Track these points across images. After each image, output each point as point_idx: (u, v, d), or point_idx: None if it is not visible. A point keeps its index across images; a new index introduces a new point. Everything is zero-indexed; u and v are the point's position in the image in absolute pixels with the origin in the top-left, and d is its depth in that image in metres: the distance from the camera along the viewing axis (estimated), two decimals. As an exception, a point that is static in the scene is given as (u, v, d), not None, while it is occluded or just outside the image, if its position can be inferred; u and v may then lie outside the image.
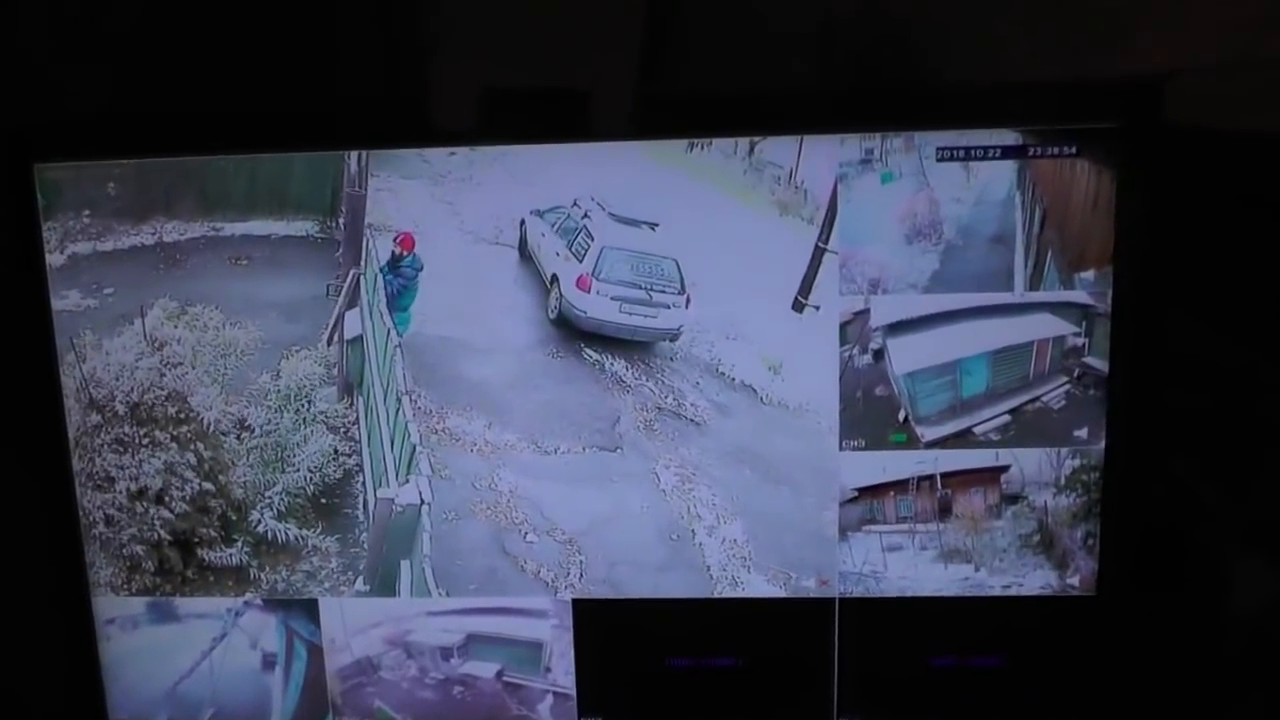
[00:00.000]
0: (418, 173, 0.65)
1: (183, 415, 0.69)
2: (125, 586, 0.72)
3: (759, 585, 0.68)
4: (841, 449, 0.66)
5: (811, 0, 0.62)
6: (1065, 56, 0.61)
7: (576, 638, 0.70)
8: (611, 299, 0.67)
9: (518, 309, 0.67)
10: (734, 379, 0.67)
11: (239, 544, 0.71)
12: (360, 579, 0.71)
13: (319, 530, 0.70)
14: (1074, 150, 0.62)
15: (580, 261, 0.66)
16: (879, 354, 0.65)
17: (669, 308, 0.66)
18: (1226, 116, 0.61)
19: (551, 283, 0.67)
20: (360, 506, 0.70)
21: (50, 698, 0.73)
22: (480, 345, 0.67)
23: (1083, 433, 0.65)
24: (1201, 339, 0.64)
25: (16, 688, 0.73)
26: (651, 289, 0.66)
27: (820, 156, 0.63)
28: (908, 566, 0.68)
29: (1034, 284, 0.63)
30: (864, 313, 0.64)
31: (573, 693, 0.72)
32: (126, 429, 0.69)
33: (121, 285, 0.68)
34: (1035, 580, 0.67)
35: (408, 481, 0.69)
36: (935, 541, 0.67)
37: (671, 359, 0.67)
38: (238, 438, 0.69)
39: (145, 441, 0.69)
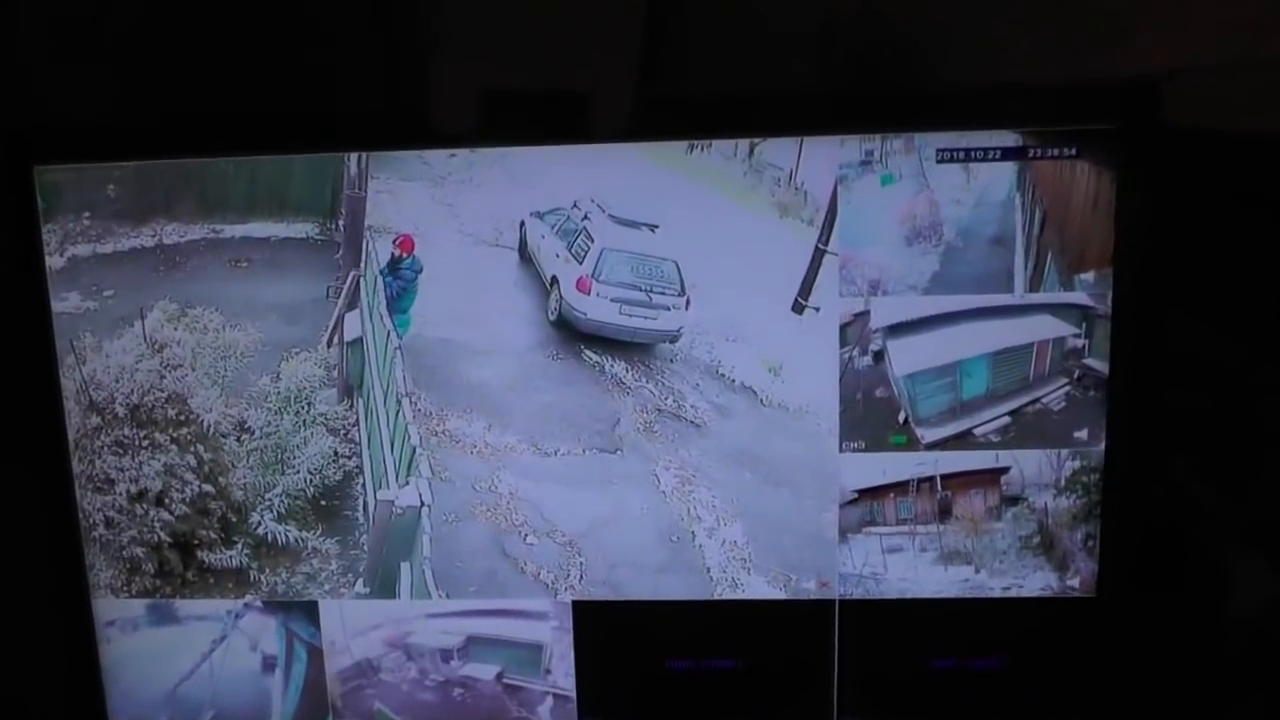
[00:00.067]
0: (417, 175, 0.65)
1: (183, 417, 0.69)
2: (125, 588, 0.72)
3: (759, 587, 0.68)
4: (841, 451, 0.66)
5: (811, 2, 0.62)
6: (1065, 58, 0.61)
7: (576, 639, 0.70)
8: (611, 301, 0.67)
9: (517, 311, 0.67)
10: (734, 381, 0.67)
11: (239, 546, 0.70)
12: (360, 581, 0.71)
13: (319, 532, 0.70)
14: (1074, 152, 0.62)
15: (580, 263, 0.66)
16: (879, 355, 0.65)
17: (669, 309, 0.66)
18: (1226, 117, 0.61)
19: (551, 285, 0.67)
20: (360, 508, 0.70)
21: (50, 700, 0.73)
22: (480, 347, 0.67)
23: (1083, 434, 0.65)
24: (1201, 340, 0.64)
25: (17, 690, 0.73)
26: (651, 291, 0.66)
27: (820, 158, 0.63)
28: (908, 568, 0.68)
29: (1034, 285, 0.63)
30: (864, 314, 0.64)
31: (573, 695, 0.72)
32: (126, 431, 0.69)
33: (121, 287, 0.68)
34: (1035, 582, 0.67)
35: (408, 483, 0.69)
36: (935, 543, 0.67)
37: (671, 361, 0.67)
38: (238, 440, 0.69)
39: (145, 444, 0.69)
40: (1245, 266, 0.63)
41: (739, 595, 0.69)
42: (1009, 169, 0.62)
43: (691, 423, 0.67)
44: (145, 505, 0.70)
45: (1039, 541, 0.67)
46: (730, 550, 0.68)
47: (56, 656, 0.73)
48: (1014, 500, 0.66)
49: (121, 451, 0.69)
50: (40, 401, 0.69)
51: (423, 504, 0.69)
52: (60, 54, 0.65)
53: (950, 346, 0.64)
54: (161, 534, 0.70)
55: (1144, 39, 0.60)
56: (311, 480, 0.70)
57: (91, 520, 0.71)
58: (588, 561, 0.69)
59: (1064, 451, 0.65)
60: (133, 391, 0.69)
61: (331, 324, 0.68)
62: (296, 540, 0.70)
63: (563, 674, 0.71)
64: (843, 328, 0.65)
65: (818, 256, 0.64)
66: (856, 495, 0.67)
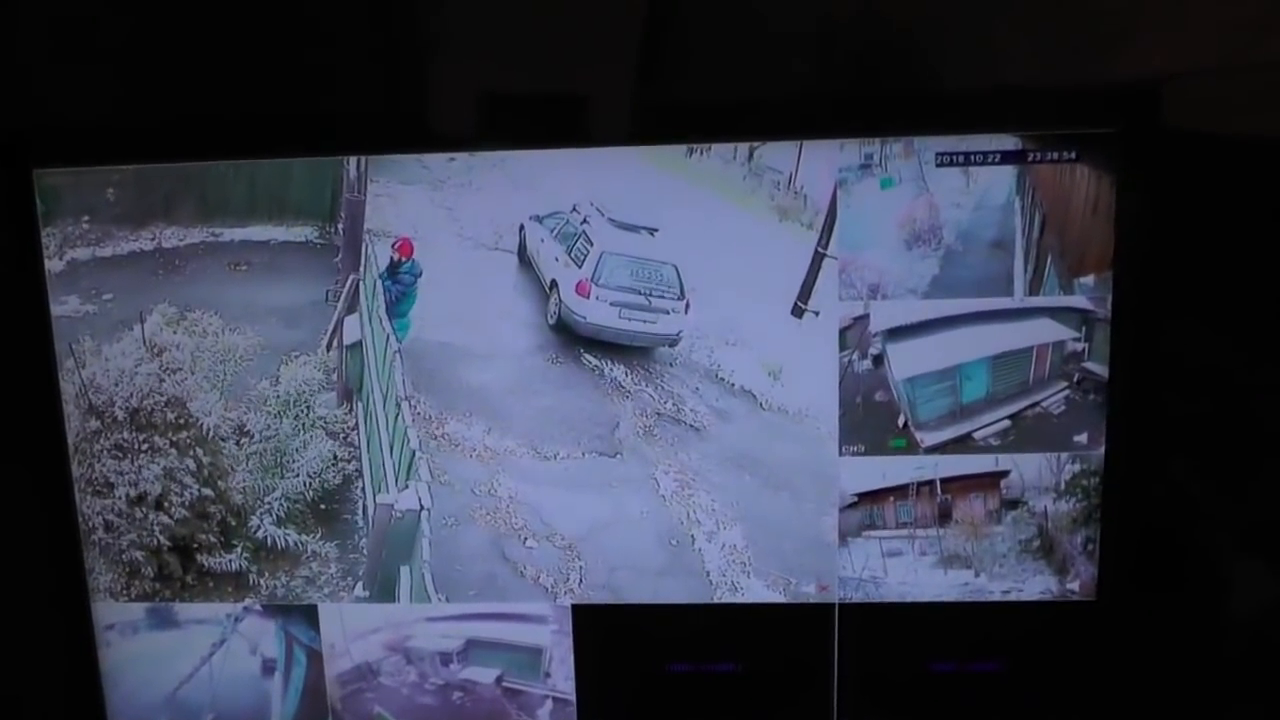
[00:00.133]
0: (417, 178, 0.65)
1: (182, 421, 0.69)
2: (125, 592, 0.72)
3: (759, 590, 0.68)
4: (841, 454, 0.66)
5: (811, 5, 0.62)
6: (1064, 61, 0.61)
7: (576, 643, 0.70)
8: (611, 304, 0.67)
9: (517, 314, 0.67)
10: (733, 384, 0.67)
11: (238, 550, 0.70)
12: (360, 585, 0.71)
13: (318, 536, 0.70)
14: (1073, 155, 0.62)
15: (579, 267, 0.66)
16: (879, 359, 0.65)
17: (668, 313, 0.66)
18: (1226, 120, 0.61)
19: (551, 288, 0.67)
20: (360, 512, 0.70)
21: (50, 703, 0.73)
22: (479, 351, 0.67)
23: (1083, 438, 0.65)
24: (1201, 344, 0.64)
25: (16, 693, 0.73)
26: (651, 294, 0.66)
27: (820, 161, 0.63)
28: (907, 572, 0.68)
29: (1034, 289, 0.63)
30: (864, 318, 0.64)
31: (572, 698, 0.71)
32: (126, 434, 0.69)
33: (121, 291, 0.68)
34: (1035, 585, 0.67)
35: (407, 487, 0.69)
36: (935, 547, 0.67)
37: (671, 364, 0.67)
38: (237, 443, 0.69)
39: (144, 447, 0.69)
40: (1245, 270, 0.63)
41: (739, 599, 0.69)
42: (1009, 172, 0.62)
43: (691, 426, 0.67)
44: (145, 509, 0.70)
45: (1039, 545, 0.67)
46: (730, 554, 0.68)
47: (56, 660, 0.73)
48: (1014, 504, 0.66)
49: (121, 455, 0.69)
50: (40, 405, 0.69)
51: (422, 507, 0.69)
52: (60, 57, 0.65)
53: (950, 350, 0.64)
54: (161, 538, 0.70)
55: (1144, 42, 0.60)
56: (311, 484, 0.70)
57: (91, 524, 0.71)
58: (587, 565, 0.69)
59: (1064, 455, 0.65)
60: (132, 395, 0.69)
61: (331, 327, 0.68)
62: (296, 544, 0.70)
63: (562, 677, 0.71)
64: (842, 331, 0.65)
65: (817, 260, 0.64)
66: (856, 499, 0.67)
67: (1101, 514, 0.66)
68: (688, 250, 0.65)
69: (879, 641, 0.69)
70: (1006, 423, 0.65)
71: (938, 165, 0.62)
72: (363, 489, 0.70)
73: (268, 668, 0.73)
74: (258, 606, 0.72)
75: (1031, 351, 0.64)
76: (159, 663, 0.73)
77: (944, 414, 0.65)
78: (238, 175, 0.66)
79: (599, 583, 0.69)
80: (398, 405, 0.68)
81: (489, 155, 0.64)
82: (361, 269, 0.67)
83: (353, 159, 0.65)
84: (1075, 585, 0.67)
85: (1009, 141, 0.62)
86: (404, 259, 0.66)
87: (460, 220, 0.65)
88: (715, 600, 0.69)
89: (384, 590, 0.71)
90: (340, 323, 0.68)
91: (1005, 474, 0.66)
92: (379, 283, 0.67)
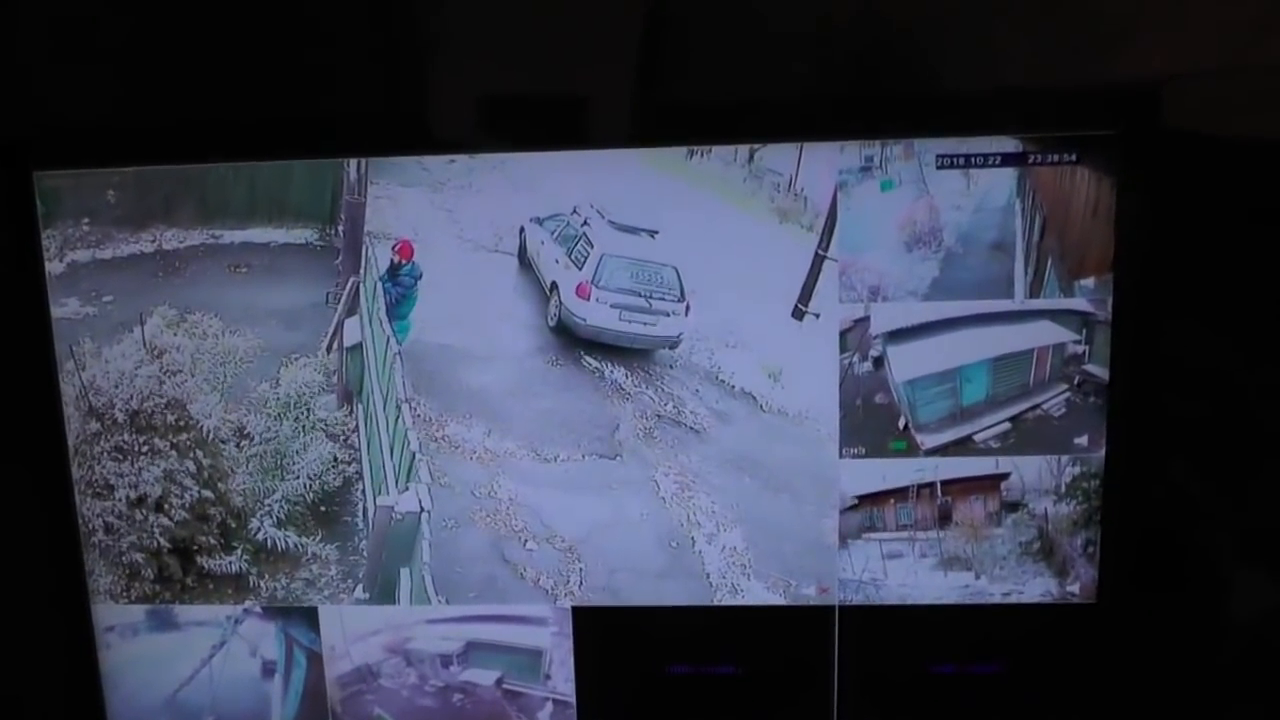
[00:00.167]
0: (417, 180, 0.65)
1: (182, 423, 0.69)
2: (125, 594, 0.72)
3: (759, 593, 0.68)
4: (841, 456, 0.66)
5: (811, 7, 0.62)
6: (1064, 63, 0.61)
7: (576, 645, 0.70)
8: (611, 306, 0.67)
9: (517, 316, 0.67)
10: (734, 386, 0.67)
11: (238, 552, 0.70)
12: (360, 587, 0.71)
13: (318, 538, 0.70)
14: (1074, 157, 0.62)
15: (580, 269, 0.66)
16: (879, 361, 0.65)
17: (669, 315, 0.66)
18: (1227, 122, 0.60)
19: (551, 290, 0.67)
20: (360, 514, 0.70)
21: (50, 705, 0.73)
22: (480, 353, 0.67)
23: (1083, 440, 0.65)
24: (1202, 346, 0.64)
25: (17, 695, 0.73)
26: (651, 296, 0.66)
27: (820, 164, 0.63)
28: (908, 574, 0.68)
29: (1034, 291, 0.63)
30: (864, 320, 0.64)
31: (573, 700, 0.71)
32: (126, 437, 0.69)
33: (121, 293, 0.68)
34: (1035, 588, 0.67)
35: (407, 489, 0.69)
36: (935, 549, 0.67)
37: (671, 366, 0.67)
38: (237, 445, 0.69)
39: (145, 449, 0.69)
40: (1246, 272, 0.62)
41: (739, 601, 0.68)
42: (1009, 174, 0.62)
43: (691, 428, 0.67)
44: (145, 511, 0.70)
45: (1039, 547, 0.67)
46: (730, 556, 0.68)
47: (56, 662, 0.73)
48: (1014, 506, 0.66)
49: (121, 457, 0.69)
50: (40, 407, 0.69)
51: (422, 509, 0.69)
52: (60, 58, 0.65)
53: (950, 352, 0.64)
54: (161, 539, 0.70)
55: (1144, 44, 0.60)
56: (311, 486, 0.70)
57: (91, 526, 0.71)
58: (587, 567, 0.69)
59: (1064, 457, 0.65)
60: (132, 397, 0.69)
61: (331, 329, 0.68)
62: (296, 546, 0.70)
63: (562, 679, 0.71)
64: (843, 333, 0.65)
65: (817, 262, 0.64)
66: (856, 501, 0.67)
67: (1102, 516, 0.66)
68: (688, 252, 0.65)
69: (879, 644, 0.69)
70: (1007, 425, 0.65)
71: (938, 167, 0.62)
72: (363, 491, 0.70)
73: (268, 670, 0.73)
74: (258, 608, 0.72)
75: (1032, 354, 0.64)
76: (159, 665, 0.73)
77: (944, 416, 0.65)
78: (238, 177, 0.66)
79: (599, 585, 0.69)
80: (398, 407, 0.68)
81: (489, 157, 0.64)
82: (362, 271, 0.67)
83: (353, 161, 0.65)
84: (1075, 588, 0.67)
85: (1009, 143, 0.62)
86: (404, 261, 0.66)
87: (460, 222, 0.65)
88: (715, 602, 0.69)
89: (384, 592, 0.71)
90: (340, 325, 0.68)
91: (1005, 476, 0.66)
92: (379, 285, 0.67)
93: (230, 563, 0.71)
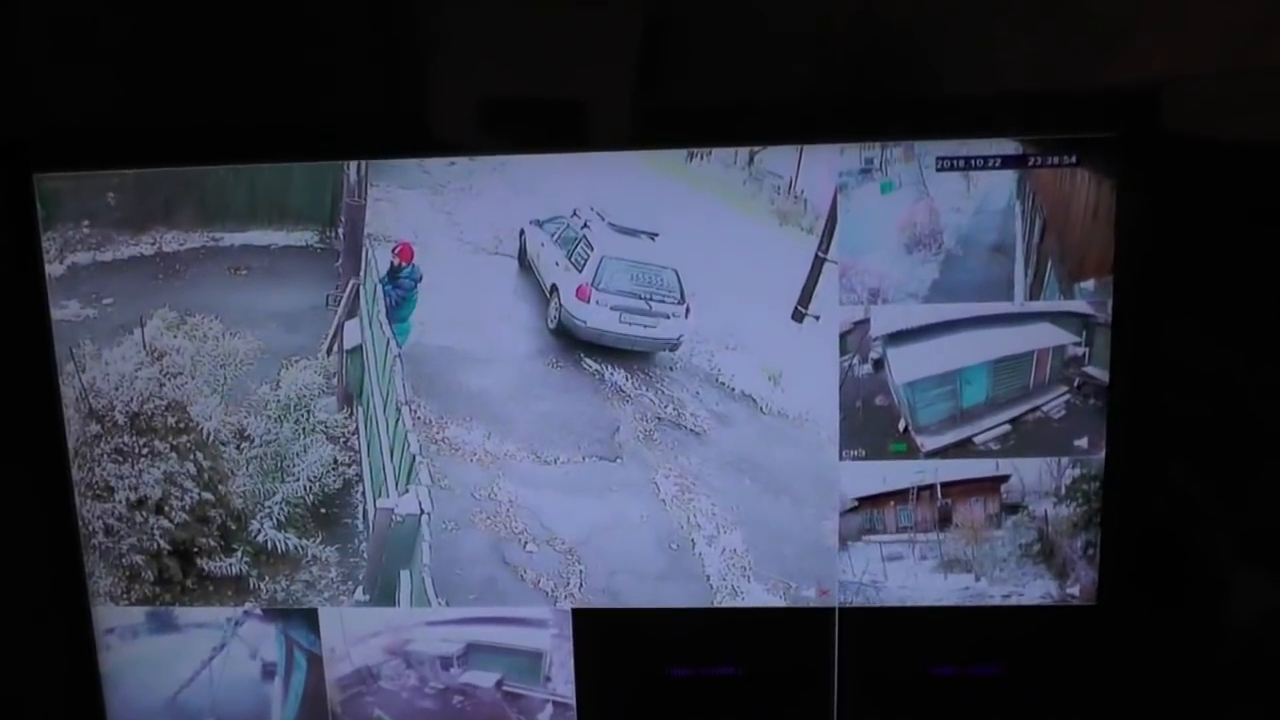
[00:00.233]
0: (417, 183, 0.65)
1: (182, 425, 0.69)
2: (125, 596, 0.72)
3: (759, 595, 0.68)
4: (841, 459, 0.66)
5: (810, 9, 0.62)
6: (1064, 65, 0.61)
7: (576, 647, 0.70)
8: (611, 309, 0.67)
9: (517, 319, 0.67)
10: (734, 389, 0.67)
11: (238, 554, 0.70)
12: (360, 589, 0.71)
13: (319, 540, 0.70)
14: (1074, 159, 0.62)
15: (580, 271, 0.66)
16: (879, 363, 0.65)
17: (669, 317, 0.66)
18: (1227, 124, 0.60)
19: (551, 293, 0.67)
20: (360, 516, 0.70)
21: (50, 707, 0.73)
22: (480, 355, 0.67)
23: (1083, 442, 0.65)
24: (1202, 348, 0.64)
25: (17, 696, 0.73)
26: (651, 299, 0.66)
27: (820, 166, 0.63)
28: (908, 576, 0.68)
29: (1034, 293, 0.63)
30: (864, 322, 0.64)
31: (573, 702, 0.71)
32: (126, 439, 0.69)
33: (121, 295, 0.68)
34: (1035, 590, 0.67)
35: (407, 491, 0.69)
36: (935, 551, 0.67)
37: (671, 369, 0.67)
38: (237, 448, 0.69)
39: (145, 451, 0.69)
40: (1246, 274, 0.62)
41: (739, 603, 0.68)
42: (1009, 177, 0.62)
43: (691, 430, 0.67)
44: (145, 513, 0.70)
45: (1039, 549, 0.67)
46: (730, 558, 0.68)
47: (56, 664, 0.73)
48: (1014, 508, 0.66)
49: (121, 459, 0.69)
50: (40, 409, 0.69)
51: (422, 512, 0.69)
52: (60, 60, 0.65)
53: (950, 354, 0.64)
54: (161, 541, 0.70)
55: (1143, 46, 0.60)
56: (311, 488, 0.70)
57: (91, 528, 0.71)
58: (587, 569, 0.69)
59: (1064, 459, 0.65)
60: (132, 399, 0.69)
61: (331, 332, 0.68)
62: (296, 548, 0.70)
63: (562, 681, 0.71)
64: (843, 336, 0.65)
65: (817, 264, 0.64)
66: (856, 503, 0.67)
67: (1102, 518, 0.66)
68: (688, 254, 0.65)
69: (879, 646, 0.69)
70: (1007, 427, 0.65)
71: (938, 169, 0.62)
72: (363, 493, 0.70)
73: (268, 671, 0.73)
74: (258, 610, 0.72)
75: (1032, 356, 0.64)
76: (159, 667, 0.73)
77: (944, 418, 0.65)
78: (238, 180, 0.66)
79: (599, 587, 0.69)
80: (398, 409, 0.68)
81: (489, 159, 0.64)
82: (362, 273, 0.67)
83: (353, 163, 0.65)
84: (1075, 590, 0.67)
85: (1009, 146, 0.62)
86: (404, 263, 0.66)
87: (460, 225, 0.65)
88: (715, 604, 0.69)
89: (384, 594, 0.71)
90: (340, 327, 0.68)
91: (1005, 478, 0.66)
92: (379, 287, 0.67)
93: (230, 565, 0.71)
